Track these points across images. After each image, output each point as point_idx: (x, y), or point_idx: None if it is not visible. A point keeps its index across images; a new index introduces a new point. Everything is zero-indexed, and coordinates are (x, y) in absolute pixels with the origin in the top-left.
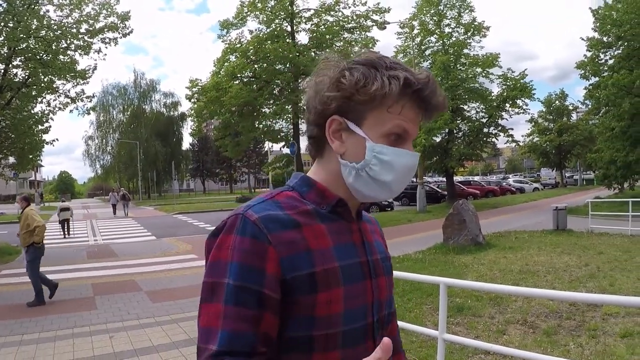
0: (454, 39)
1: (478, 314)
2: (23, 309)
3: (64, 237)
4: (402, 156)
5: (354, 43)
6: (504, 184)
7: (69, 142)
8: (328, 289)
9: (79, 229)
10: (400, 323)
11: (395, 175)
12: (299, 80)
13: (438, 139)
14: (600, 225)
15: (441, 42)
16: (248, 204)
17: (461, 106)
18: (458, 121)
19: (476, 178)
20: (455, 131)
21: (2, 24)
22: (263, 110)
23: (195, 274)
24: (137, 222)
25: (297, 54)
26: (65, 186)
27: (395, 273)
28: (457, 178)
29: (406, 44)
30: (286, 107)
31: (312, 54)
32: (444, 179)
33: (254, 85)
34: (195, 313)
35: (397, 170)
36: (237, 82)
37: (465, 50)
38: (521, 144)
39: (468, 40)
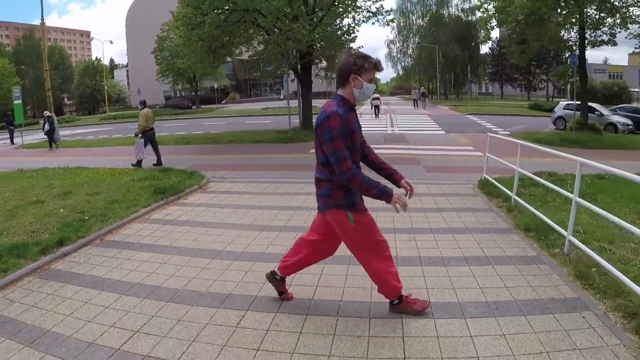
0: None
1: None
2: None
3: (376, 117)
4: (372, 87)
5: None
6: None
7: (371, 44)
8: (356, 132)
9: (381, 122)
10: None
11: (369, 92)
12: None
13: None
14: None
15: None
16: (336, 108)
17: None
18: None
19: None
20: None
21: None
22: (552, 20)
23: (466, 160)
24: (431, 118)
25: None
26: None
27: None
28: None
29: None
30: (571, 18)
31: None
32: None
33: None
34: (453, 182)
35: (370, 90)
36: None
37: None
38: None
39: None
